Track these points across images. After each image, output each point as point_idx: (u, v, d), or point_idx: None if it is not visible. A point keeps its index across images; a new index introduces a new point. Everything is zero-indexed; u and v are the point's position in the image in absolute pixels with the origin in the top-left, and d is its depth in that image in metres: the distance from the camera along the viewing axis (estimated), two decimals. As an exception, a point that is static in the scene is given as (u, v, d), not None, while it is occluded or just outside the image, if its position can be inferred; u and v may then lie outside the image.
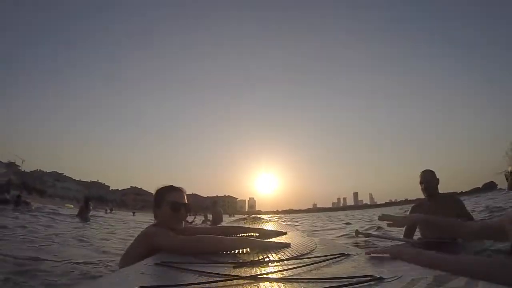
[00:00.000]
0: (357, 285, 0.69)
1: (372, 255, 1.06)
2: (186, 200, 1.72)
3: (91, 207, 8.82)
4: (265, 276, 0.84)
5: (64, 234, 4.56)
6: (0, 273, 1.85)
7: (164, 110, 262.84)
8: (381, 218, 1.84)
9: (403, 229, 2.71)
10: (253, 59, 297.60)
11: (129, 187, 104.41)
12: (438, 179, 2.78)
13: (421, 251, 0.98)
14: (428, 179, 2.76)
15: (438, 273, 0.74)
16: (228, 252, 1.30)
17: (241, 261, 1.10)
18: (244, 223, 3.97)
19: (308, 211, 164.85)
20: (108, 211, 22.90)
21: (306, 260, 1.06)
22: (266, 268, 0.98)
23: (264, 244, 1.40)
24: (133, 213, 30.63)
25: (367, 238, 2.97)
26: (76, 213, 8.87)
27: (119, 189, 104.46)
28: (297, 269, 0.93)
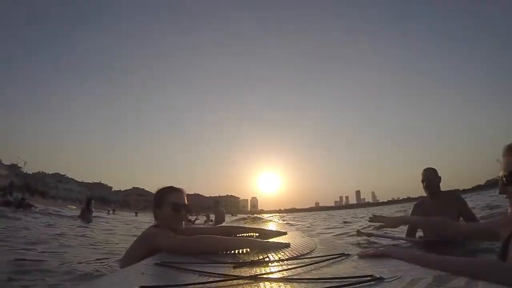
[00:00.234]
0: (357, 285, 0.69)
1: (366, 256, 1.04)
2: (186, 201, 1.73)
3: (93, 208, 8.81)
4: (265, 276, 0.83)
5: (65, 235, 4.57)
6: (2, 273, 1.86)
7: (165, 111, 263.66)
8: (372, 219, 1.84)
9: (405, 227, 2.70)
10: (253, 59, 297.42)
11: (131, 187, 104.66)
12: (440, 177, 2.77)
13: (416, 251, 0.99)
14: (430, 177, 2.75)
15: (438, 273, 0.74)
16: (228, 252, 1.31)
17: (241, 261, 1.11)
18: (244, 223, 3.97)
19: (310, 210, 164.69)
20: (111, 212, 22.99)
21: (306, 260, 1.06)
22: (266, 268, 0.98)
23: (264, 244, 1.40)
24: (136, 213, 30.69)
25: (369, 238, 2.96)
26: (78, 214, 8.89)
27: (122, 190, 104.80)
28: (297, 269, 0.93)
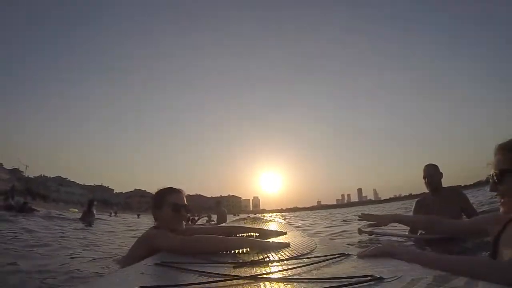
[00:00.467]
0: (357, 285, 0.69)
1: (366, 256, 1.04)
2: (185, 202, 1.73)
3: (94, 211, 8.81)
4: (265, 276, 0.84)
5: (66, 237, 4.59)
6: (3, 273, 1.89)
7: (165, 111, 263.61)
8: (362, 218, 1.81)
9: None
10: (253, 59, 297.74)
11: (133, 189, 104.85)
12: (441, 173, 2.77)
13: (415, 249, 0.99)
14: (432, 173, 2.75)
15: (438, 273, 0.74)
16: (228, 252, 1.31)
17: (241, 261, 1.11)
18: (244, 223, 3.97)
19: (312, 208, 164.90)
20: (113, 214, 23.04)
21: (306, 260, 1.06)
22: (266, 268, 0.98)
23: (264, 244, 1.40)
24: (138, 215, 30.69)
25: (370, 236, 2.95)
26: (79, 217, 8.90)
27: (123, 192, 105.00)
28: (297, 269, 0.93)
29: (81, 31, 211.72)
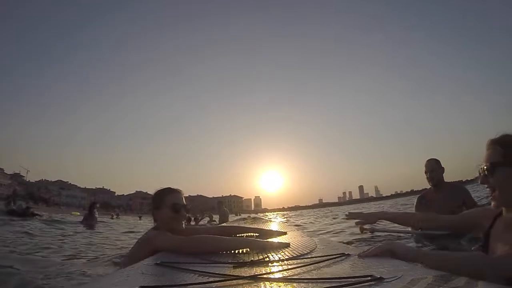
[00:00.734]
0: (357, 285, 0.68)
1: (366, 256, 1.03)
2: (184, 201, 1.73)
3: (96, 213, 8.79)
4: (265, 276, 0.83)
5: (67, 239, 4.62)
6: (4, 274, 1.92)
7: (166, 113, 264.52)
8: (349, 216, 1.80)
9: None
10: (253, 59, 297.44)
11: (134, 191, 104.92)
12: (443, 168, 2.76)
13: (414, 249, 1.00)
14: (433, 168, 2.74)
15: (438, 273, 0.73)
16: (228, 252, 1.31)
17: (241, 261, 1.11)
18: (244, 223, 3.97)
19: (314, 206, 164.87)
20: (114, 216, 23.00)
21: (306, 260, 1.05)
22: (266, 268, 0.98)
23: (264, 244, 1.39)
24: (140, 217, 30.72)
25: (372, 234, 2.94)
26: (80, 220, 8.89)
27: (125, 194, 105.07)
28: (297, 269, 0.92)
29: (81, 31, 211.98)
